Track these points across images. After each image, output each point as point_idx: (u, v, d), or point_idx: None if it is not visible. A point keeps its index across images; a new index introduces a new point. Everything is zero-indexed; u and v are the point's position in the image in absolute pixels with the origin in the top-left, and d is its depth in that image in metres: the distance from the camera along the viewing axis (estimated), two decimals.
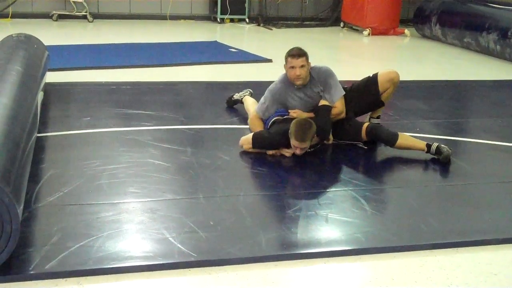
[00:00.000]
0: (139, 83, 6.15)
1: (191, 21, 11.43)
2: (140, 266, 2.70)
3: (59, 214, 3.13)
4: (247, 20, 11.41)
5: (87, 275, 2.62)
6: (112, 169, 3.77)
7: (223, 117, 5.08)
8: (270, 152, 4.12)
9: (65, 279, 2.59)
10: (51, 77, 5.80)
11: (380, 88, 4.54)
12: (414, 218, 3.31)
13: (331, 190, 3.69)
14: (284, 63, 4.30)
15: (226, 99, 5.33)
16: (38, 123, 4.08)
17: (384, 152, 4.37)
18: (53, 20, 10.53)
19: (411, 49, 9.86)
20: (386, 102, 4.68)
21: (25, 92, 3.85)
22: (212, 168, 3.88)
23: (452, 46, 9.58)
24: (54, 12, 10.57)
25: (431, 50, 9.46)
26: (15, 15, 10.39)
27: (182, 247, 2.84)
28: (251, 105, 4.82)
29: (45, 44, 5.73)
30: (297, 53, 4.22)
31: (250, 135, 4.16)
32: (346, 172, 4.05)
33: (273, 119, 4.36)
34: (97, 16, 10.85)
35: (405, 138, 4.28)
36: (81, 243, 2.82)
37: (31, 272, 2.59)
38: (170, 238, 2.92)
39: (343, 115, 4.38)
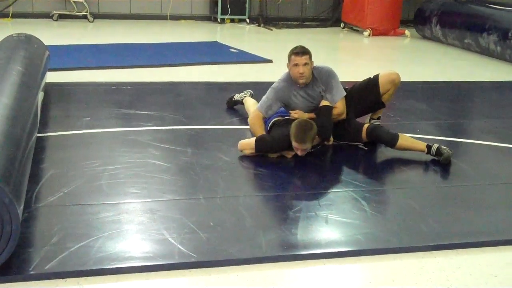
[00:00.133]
0: (139, 83, 6.15)
1: (192, 21, 11.43)
2: (140, 266, 2.70)
3: (59, 215, 3.13)
4: (247, 20, 11.42)
5: (87, 276, 2.61)
6: (113, 169, 3.77)
7: (223, 118, 5.08)
8: (272, 155, 4.11)
9: (65, 279, 2.58)
10: (52, 77, 5.79)
11: (381, 89, 4.54)
12: (414, 219, 3.31)
13: (332, 191, 3.69)
14: (287, 62, 4.30)
15: (227, 100, 5.33)
16: (38, 123, 4.07)
17: (384, 153, 4.37)
18: (53, 20, 10.53)
19: (411, 50, 9.86)
20: (387, 103, 4.68)
21: (25, 92, 3.85)
22: (213, 169, 3.88)
23: (453, 47, 9.58)
24: (54, 12, 10.57)
25: (431, 51, 9.46)
26: (15, 15, 10.39)
27: (182, 248, 2.84)
28: (251, 105, 4.82)
29: (46, 44, 5.73)
30: (300, 51, 4.22)
31: (252, 140, 4.12)
32: (346, 173, 4.05)
33: (273, 120, 4.36)
34: (97, 16, 10.85)
35: (406, 139, 4.28)
36: (81, 244, 2.82)
37: (31, 273, 2.59)
38: (170, 239, 2.92)
39: (344, 115, 4.38)
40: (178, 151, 4.19)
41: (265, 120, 4.39)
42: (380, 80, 4.54)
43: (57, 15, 10.57)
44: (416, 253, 2.96)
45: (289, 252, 2.89)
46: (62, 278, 2.58)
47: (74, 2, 10.55)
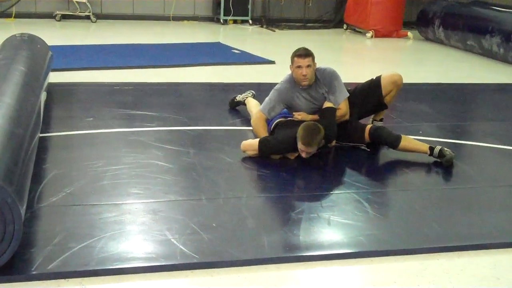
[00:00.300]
0: (142, 84, 6.15)
1: (194, 22, 11.43)
2: (142, 267, 2.70)
3: (61, 215, 3.13)
4: (250, 21, 11.41)
5: (89, 276, 2.62)
6: (115, 169, 3.77)
7: (226, 119, 5.08)
8: (274, 156, 4.11)
9: (67, 279, 2.59)
10: (54, 77, 5.80)
11: (383, 91, 4.53)
12: (417, 221, 3.30)
13: (334, 192, 3.69)
14: (290, 63, 4.29)
15: (229, 101, 5.33)
16: (41, 123, 4.08)
17: (387, 154, 4.36)
18: (56, 20, 10.54)
19: (414, 51, 9.86)
20: (389, 105, 4.67)
21: (28, 92, 3.85)
22: (215, 170, 3.88)
23: (455, 49, 9.57)
24: (57, 12, 10.58)
25: (434, 53, 9.46)
26: (18, 15, 10.41)
27: (184, 249, 2.84)
28: (254, 106, 4.81)
29: (48, 44, 5.74)
30: (303, 53, 4.22)
31: (255, 141, 4.12)
32: (348, 175, 4.05)
33: (276, 121, 4.36)
34: (100, 16, 10.86)
35: (408, 140, 4.28)
36: (84, 244, 2.82)
37: (34, 273, 2.59)
38: (173, 240, 2.92)
39: (347, 117, 4.37)
40: (181, 152, 4.19)
41: (268, 121, 4.39)
42: (383, 81, 4.54)
43: (60, 15, 10.57)
44: (418, 255, 2.96)
45: (291, 254, 2.89)
46: (65, 278, 2.59)
47: (77, 2, 10.56)
